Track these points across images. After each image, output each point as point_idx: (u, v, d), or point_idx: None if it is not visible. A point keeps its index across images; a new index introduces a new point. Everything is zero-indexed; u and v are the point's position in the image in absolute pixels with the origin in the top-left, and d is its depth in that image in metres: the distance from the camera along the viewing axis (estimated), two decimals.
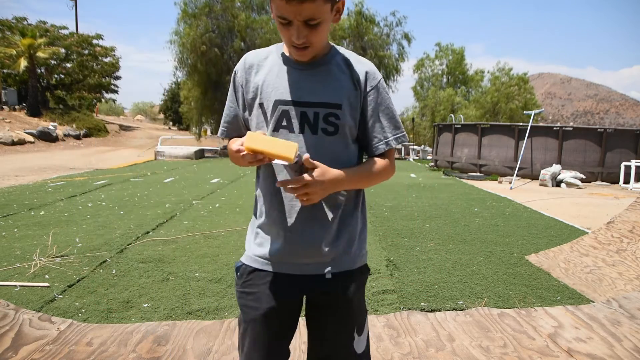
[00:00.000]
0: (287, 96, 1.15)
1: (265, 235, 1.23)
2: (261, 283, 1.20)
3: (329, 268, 1.19)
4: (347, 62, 1.20)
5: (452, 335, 2.32)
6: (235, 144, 1.15)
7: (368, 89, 1.18)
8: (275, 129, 1.15)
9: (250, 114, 1.22)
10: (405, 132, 1.23)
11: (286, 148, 1.04)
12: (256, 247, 1.24)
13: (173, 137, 24.55)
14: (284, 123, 1.15)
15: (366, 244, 1.29)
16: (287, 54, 1.19)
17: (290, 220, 1.17)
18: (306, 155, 1.08)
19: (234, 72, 1.25)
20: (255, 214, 1.29)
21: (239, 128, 1.26)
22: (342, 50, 1.23)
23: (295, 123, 1.14)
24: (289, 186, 1.10)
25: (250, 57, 1.24)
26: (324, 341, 1.25)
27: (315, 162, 1.09)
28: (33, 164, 12.49)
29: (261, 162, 1.08)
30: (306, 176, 1.08)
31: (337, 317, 1.23)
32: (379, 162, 1.21)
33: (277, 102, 1.15)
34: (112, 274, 3.30)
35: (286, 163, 1.07)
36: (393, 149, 1.23)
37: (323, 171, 1.10)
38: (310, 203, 1.12)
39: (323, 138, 1.15)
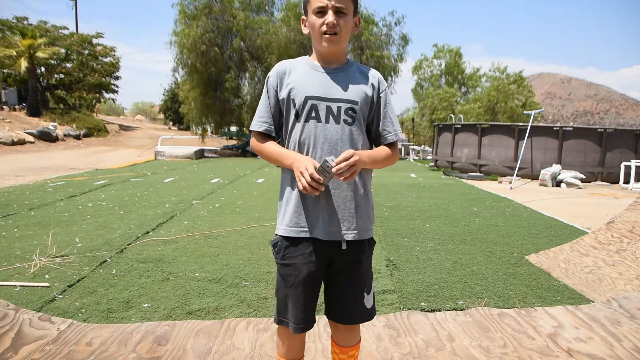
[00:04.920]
0: (316, 93, 1.41)
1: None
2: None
3: (346, 238, 1.44)
4: (362, 70, 1.50)
5: (452, 335, 2.32)
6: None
7: (381, 91, 1.49)
8: (306, 120, 1.41)
9: (283, 108, 1.47)
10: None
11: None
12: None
13: (173, 137, 24.57)
14: (313, 115, 1.41)
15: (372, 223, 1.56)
16: (316, 62, 1.47)
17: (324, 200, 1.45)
18: (335, 164, 1.30)
19: (267, 77, 1.50)
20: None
21: (272, 122, 1.49)
22: (356, 63, 1.53)
23: (322, 115, 1.41)
24: (344, 167, 1.30)
25: (282, 64, 1.50)
26: (340, 298, 1.51)
27: (344, 153, 1.33)
28: (33, 164, 12.49)
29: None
30: (355, 156, 1.32)
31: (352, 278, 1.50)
32: (388, 149, 1.50)
33: (307, 98, 1.41)
34: (112, 274, 3.30)
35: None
36: (397, 140, 1.52)
37: (354, 152, 1.34)
38: (352, 179, 1.35)
39: (344, 127, 1.42)
